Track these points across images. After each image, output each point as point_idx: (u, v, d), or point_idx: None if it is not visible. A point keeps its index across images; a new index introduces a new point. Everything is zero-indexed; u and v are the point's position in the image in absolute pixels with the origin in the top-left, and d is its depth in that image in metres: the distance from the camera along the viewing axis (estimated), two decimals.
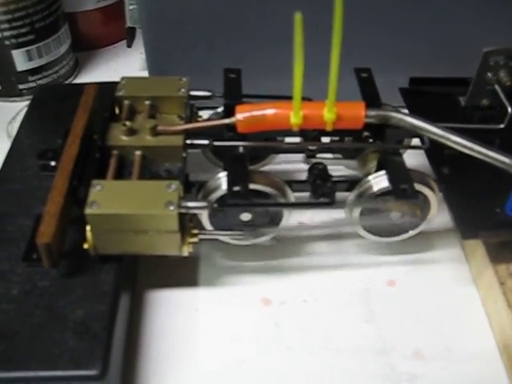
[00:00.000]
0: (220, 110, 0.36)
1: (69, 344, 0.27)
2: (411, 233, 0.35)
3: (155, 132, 0.32)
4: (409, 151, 0.36)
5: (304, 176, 0.35)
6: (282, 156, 0.39)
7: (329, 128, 0.31)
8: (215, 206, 0.32)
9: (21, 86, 0.49)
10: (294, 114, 0.30)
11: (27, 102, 0.43)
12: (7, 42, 0.46)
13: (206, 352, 0.32)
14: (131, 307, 0.33)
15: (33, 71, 0.49)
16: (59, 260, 0.29)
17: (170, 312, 0.34)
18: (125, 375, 0.30)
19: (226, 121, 0.32)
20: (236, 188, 0.31)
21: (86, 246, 0.30)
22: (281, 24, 0.35)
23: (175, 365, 0.31)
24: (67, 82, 0.52)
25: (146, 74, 0.47)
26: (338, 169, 0.37)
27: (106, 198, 0.29)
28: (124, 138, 0.33)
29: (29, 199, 0.34)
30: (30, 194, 0.35)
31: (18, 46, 0.47)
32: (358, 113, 0.31)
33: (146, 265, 0.35)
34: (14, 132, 0.40)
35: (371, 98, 0.35)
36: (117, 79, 0.36)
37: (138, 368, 0.31)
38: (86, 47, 0.56)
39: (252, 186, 0.32)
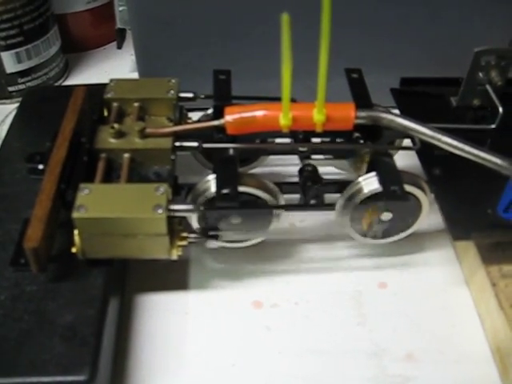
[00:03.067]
0: (210, 111, 0.36)
1: (57, 349, 0.27)
2: (402, 234, 0.35)
3: (144, 134, 0.32)
4: (400, 152, 0.36)
5: (294, 178, 0.35)
6: (272, 158, 0.39)
7: (319, 129, 0.31)
8: (204, 208, 0.31)
9: (10, 89, 0.49)
10: (284, 116, 0.30)
11: (16, 105, 0.43)
12: None
13: (196, 356, 0.32)
14: (120, 311, 0.33)
15: (22, 73, 0.49)
16: (47, 264, 0.29)
17: (160, 316, 0.33)
18: (114, 380, 0.30)
19: (216, 122, 0.32)
20: (225, 190, 0.30)
21: (74, 250, 0.30)
22: (270, 25, 0.34)
23: (165, 369, 0.31)
24: (57, 84, 0.52)
25: (136, 75, 0.47)
26: (329, 170, 0.37)
27: (94, 201, 0.29)
28: (112, 140, 0.32)
29: (17, 203, 0.34)
30: (18, 197, 0.34)
31: (7, 48, 0.46)
32: (347, 114, 0.31)
33: (136, 268, 0.35)
34: (2, 134, 0.40)
35: (361, 99, 0.35)
36: (107, 81, 0.36)
37: (128, 373, 0.31)
38: (75, 49, 0.56)
39: (242, 189, 0.31)
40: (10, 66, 0.48)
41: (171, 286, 0.35)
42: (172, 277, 0.35)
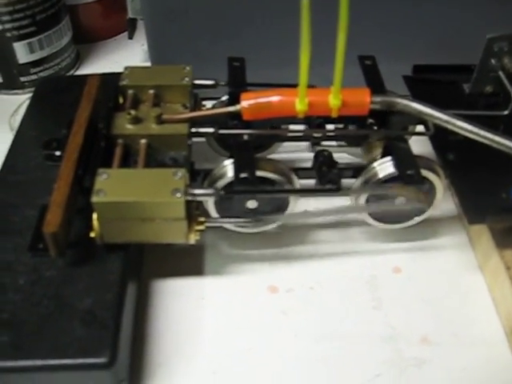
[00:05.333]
0: (224, 98, 0.36)
1: (77, 332, 0.28)
2: (417, 219, 0.35)
3: (160, 120, 0.32)
4: (413, 138, 0.36)
5: (309, 164, 0.35)
6: (286, 144, 0.39)
7: (334, 114, 0.31)
8: (222, 192, 0.32)
9: (22, 79, 0.49)
10: (300, 101, 0.30)
11: (29, 95, 0.43)
12: (9, 34, 0.46)
13: (212, 340, 0.32)
14: (138, 296, 0.33)
15: (34, 63, 0.49)
16: (66, 249, 0.29)
17: (176, 301, 0.34)
18: (132, 363, 0.30)
19: (231, 108, 0.32)
20: (243, 174, 0.31)
21: (92, 234, 0.30)
22: (285, 12, 0.35)
23: (182, 353, 0.31)
24: (69, 74, 0.52)
25: (147, 65, 0.47)
26: (344, 156, 0.37)
27: (113, 186, 0.29)
28: (129, 126, 0.33)
29: (33, 190, 0.34)
30: (34, 184, 0.35)
31: (20, 38, 0.47)
32: (363, 99, 0.31)
33: (152, 254, 0.35)
34: (16, 124, 0.41)
35: (376, 85, 0.35)
36: (118, 71, 0.36)
37: (145, 356, 0.31)
38: (87, 39, 0.56)
39: (258, 173, 0.32)
40: (23, 56, 0.48)
41: (187, 271, 0.35)
42: (188, 262, 0.35)
